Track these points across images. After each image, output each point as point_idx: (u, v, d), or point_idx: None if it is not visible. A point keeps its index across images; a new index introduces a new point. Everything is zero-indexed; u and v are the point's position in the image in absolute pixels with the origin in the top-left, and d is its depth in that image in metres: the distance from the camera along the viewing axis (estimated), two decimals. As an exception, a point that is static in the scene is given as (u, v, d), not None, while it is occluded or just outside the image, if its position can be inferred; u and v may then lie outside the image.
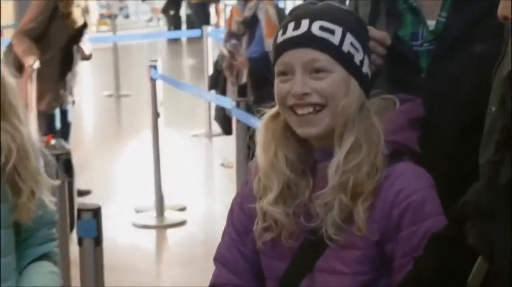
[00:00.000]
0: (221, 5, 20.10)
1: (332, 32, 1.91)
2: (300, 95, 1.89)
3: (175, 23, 19.59)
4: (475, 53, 2.13)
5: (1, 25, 10.94)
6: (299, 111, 1.91)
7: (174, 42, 18.85)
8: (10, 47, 6.32)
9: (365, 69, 1.96)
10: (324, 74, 1.90)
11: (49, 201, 2.03)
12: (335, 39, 1.91)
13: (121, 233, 6.05)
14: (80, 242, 3.19)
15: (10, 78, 1.96)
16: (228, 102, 5.32)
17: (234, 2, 6.81)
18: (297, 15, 1.96)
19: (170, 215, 6.38)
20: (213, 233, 5.59)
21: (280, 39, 1.95)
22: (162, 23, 21.57)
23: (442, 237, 1.74)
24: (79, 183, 6.49)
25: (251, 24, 6.22)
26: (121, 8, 22.76)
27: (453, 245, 1.64)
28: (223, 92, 6.45)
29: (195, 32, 11.53)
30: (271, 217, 1.96)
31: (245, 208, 2.05)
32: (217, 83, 6.56)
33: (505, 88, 1.71)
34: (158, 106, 6.37)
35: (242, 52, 6.24)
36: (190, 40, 17.65)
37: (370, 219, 1.87)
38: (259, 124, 2.04)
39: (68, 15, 6.23)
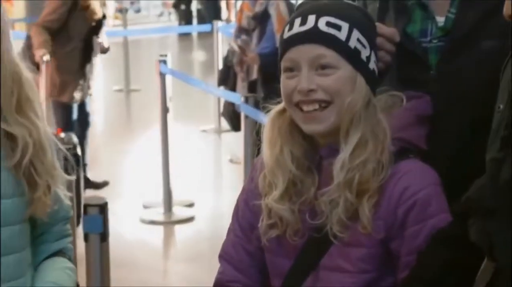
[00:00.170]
0: (232, 0, 20.12)
1: (338, 28, 1.90)
2: (306, 91, 1.89)
3: (186, 17, 19.63)
4: (484, 50, 2.11)
5: (13, 18, 11.02)
6: (305, 108, 1.90)
7: (184, 36, 18.88)
8: (28, 41, 6.39)
9: (372, 65, 1.95)
10: (330, 70, 1.89)
11: (64, 196, 2.03)
12: (342, 35, 1.90)
13: (129, 229, 6.05)
14: (86, 237, 3.19)
15: (27, 72, 1.96)
16: (237, 97, 5.30)
17: (244, -3, 6.82)
18: (303, 10, 1.96)
19: (178, 211, 6.38)
20: (221, 229, 5.55)
21: (286, 34, 1.94)
22: (173, 17, 21.62)
23: (446, 234, 1.74)
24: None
25: (262, 19, 6.22)
26: (132, 3, 22.82)
27: (457, 243, 1.65)
28: (233, 88, 6.44)
29: (206, 27, 11.53)
30: (276, 214, 1.96)
31: (250, 205, 2.05)
32: (227, 78, 6.55)
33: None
34: (167, 101, 6.36)
35: (252, 48, 6.23)
36: (201, 35, 17.68)
37: (375, 217, 1.86)
38: (266, 121, 2.03)
39: (88, 7, 6.31)
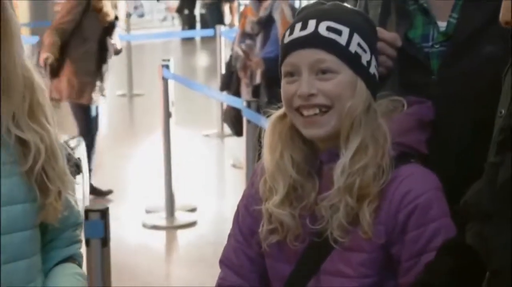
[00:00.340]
0: (235, 4, 20.14)
1: (339, 32, 1.90)
2: (306, 96, 1.88)
3: (189, 22, 19.66)
4: (485, 54, 2.11)
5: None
6: (305, 113, 1.90)
7: (188, 41, 18.90)
8: (39, 46, 6.46)
9: (373, 70, 1.95)
10: (330, 75, 1.89)
11: (75, 202, 2.03)
12: (342, 40, 1.90)
13: (131, 234, 6.05)
14: (87, 242, 3.18)
15: (38, 77, 1.96)
16: (239, 102, 5.31)
17: (248, 1, 6.81)
18: (304, 15, 1.96)
19: (180, 216, 6.38)
20: (223, 234, 5.54)
21: (287, 39, 1.94)
22: (176, 22, 21.64)
23: (453, 243, 1.73)
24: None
25: (266, 24, 6.21)
26: (135, 7, 22.84)
27: (463, 251, 1.63)
28: (236, 93, 6.43)
29: (209, 32, 11.54)
30: (277, 219, 1.96)
31: (251, 210, 2.05)
32: (230, 83, 6.54)
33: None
34: (170, 105, 6.36)
35: (256, 52, 6.22)
36: (204, 39, 17.70)
37: (376, 222, 1.86)
38: (266, 126, 2.03)
39: (100, 9, 6.35)
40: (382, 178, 1.87)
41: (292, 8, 6.28)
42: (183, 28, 19.57)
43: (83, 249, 3.21)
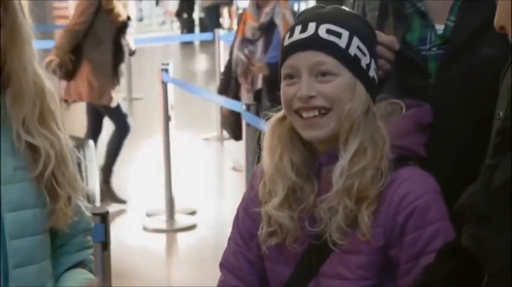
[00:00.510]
0: (234, 8, 20.13)
1: (339, 35, 1.91)
2: (305, 98, 1.89)
3: (188, 26, 19.64)
4: (483, 57, 2.12)
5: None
6: (305, 115, 1.91)
7: (187, 45, 18.88)
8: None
9: (372, 73, 1.95)
10: (330, 77, 1.90)
11: (85, 207, 2.04)
12: (342, 43, 1.91)
13: (132, 237, 6.05)
14: (88, 246, 3.18)
15: (49, 83, 1.97)
16: (239, 106, 5.32)
17: (247, 5, 6.78)
18: (304, 18, 1.96)
19: (181, 219, 6.38)
20: (223, 237, 5.53)
21: (287, 42, 1.95)
22: (175, 26, 21.62)
23: (451, 246, 1.73)
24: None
25: (267, 29, 6.20)
26: (134, 11, 22.80)
27: (464, 255, 1.63)
28: (235, 98, 6.42)
29: (207, 36, 11.54)
30: (276, 221, 1.96)
31: (250, 213, 2.05)
32: (227, 88, 6.52)
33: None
34: (169, 109, 6.37)
35: (257, 57, 6.21)
36: (203, 43, 17.68)
37: (374, 224, 1.87)
38: (266, 128, 2.04)
39: (111, 10, 6.37)
40: (380, 181, 1.87)
41: (292, 12, 6.28)
42: (182, 32, 19.56)
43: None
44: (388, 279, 1.91)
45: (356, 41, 1.92)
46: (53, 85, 1.99)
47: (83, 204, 2.02)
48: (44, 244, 1.96)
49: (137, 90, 12.12)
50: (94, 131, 6.78)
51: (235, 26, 17.88)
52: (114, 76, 6.52)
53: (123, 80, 7.70)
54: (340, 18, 1.95)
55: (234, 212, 2.15)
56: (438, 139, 2.05)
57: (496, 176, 1.53)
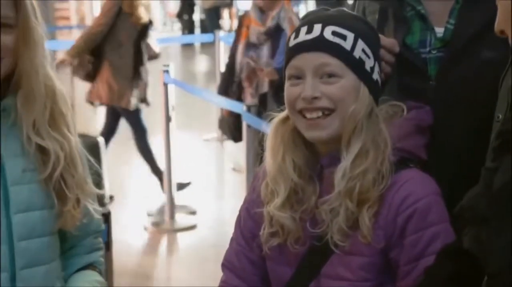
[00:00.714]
0: (234, 10, 20.11)
1: (344, 37, 1.91)
2: (310, 99, 1.89)
3: (189, 27, 19.62)
4: (483, 60, 2.12)
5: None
6: (308, 115, 1.91)
7: (188, 46, 18.86)
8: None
9: (375, 75, 1.96)
10: (334, 79, 1.90)
11: (94, 209, 2.03)
12: (347, 45, 1.91)
13: (133, 237, 6.06)
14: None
15: (60, 86, 1.97)
16: (239, 107, 5.32)
17: (246, 7, 6.75)
18: (310, 19, 1.97)
19: (181, 219, 6.40)
20: (224, 237, 5.58)
21: (292, 42, 1.95)
22: (176, 27, 21.59)
23: (451, 248, 1.74)
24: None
25: (274, 33, 6.17)
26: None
27: (464, 257, 1.64)
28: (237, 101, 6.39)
29: (208, 37, 11.53)
30: (278, 222, 1.97)
31: (252, 214, 2.06)
32: (227, 91, 6.49)
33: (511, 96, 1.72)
34: (170, 110, 6.38)
35: (263, 62, 6.16)
36: (203, 44, 17.65)
37: (375, 226, 1.87)
38: (269, 129, 2.04)
39: (132, 12, 6.36)
40: (382, 183, 1.87)
41: (297, 16, 6.27)
42: (183, 33, 19.53)
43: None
44: (388, 280, 1.91)
45: (361, 44, 1.93)
46: (71, 87, 1.99)
47: (92, 207, 2.01)
48: (52, 246, 1.97)
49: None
50: (109, 131, 6.78)
51: (235, 28, 17.84)
52: (133, 79, 6.50)
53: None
54: (345, 21, 1.95)
55: (234, 213, 2.15)
56: (437, 141, 2.05)
57: (496, 179, 1.53)
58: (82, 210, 1.97)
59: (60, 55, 6.48)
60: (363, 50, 1.93)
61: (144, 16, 6.48)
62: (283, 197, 1.96)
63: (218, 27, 16.32)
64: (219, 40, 9.63)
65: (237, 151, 7.08)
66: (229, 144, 8.52)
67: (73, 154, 1.94)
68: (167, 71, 6.40)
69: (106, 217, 3.16)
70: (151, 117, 7.12)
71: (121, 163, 6.82)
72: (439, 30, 2.19)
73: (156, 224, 6.33)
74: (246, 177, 5.01)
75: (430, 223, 1.87)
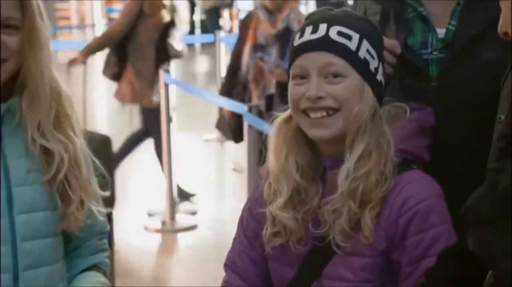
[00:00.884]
0: (234, 10, 20.10)
1: (349, 37, 1.91)
2: (314, 98, 1.89)
3: (189, 28, 19.61)
4: (484, 61, 2.13)
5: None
6: (312, 115, 1.91)
7: (188, 47, 18.85)
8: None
9: (379, 76, 1.96)
10: (339, 78, 1.90)
11: (98, 211, 2.03)
12: (352, 45, 1.91)
13: (133, 237, 6.06)
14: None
15: (65, 88, 1.98)
16: (240, 107, 5.33)
17: (247, 7, 6.72)
18: (315, 19, 1.97)
19: (181, 219, 6.40)
20: (224, 237, 5.60)
21: (297, 42, 1.95)
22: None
23: (453, 250, 1.74)
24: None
25: (284, 35, 6.15)
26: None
27: (465, 258, 1.64)
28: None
29: (208, 37, 11.52)
30: (280, 222, 1.97)
31: (255, 214, 2.06)
32: (231, 92, 6.46)
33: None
34: (170, 110, 6.39)
35: (271, 63, 6.13)
36: (204, 45, 17.65)
37: (377, 227, 1.87)
38: (271, 130, 2.04)
39: (152, 13, 6.35)
40: (384, 184, 1.87)
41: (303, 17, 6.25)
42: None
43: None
44: (390, 281, 1.92)
45: (366, 45, 1.93)
46: (83, 86, 1.99)
47: (95, 208, 2.01)
48: (55, 247, 1.97)
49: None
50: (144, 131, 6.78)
51: (235, 28, 17.83)
52: (154, 79, 6.49)
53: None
54: (350, 21, 1.95)
55: (235, 213, 2.15)
56: (439, 142, 2.05)
57: (500, 180, 1.54)
58: (85, 212, 1.97)
59: (61, 55, 6.46)
60: (367, 51, 1.93)
61: (165, 16, 6.47)
62: (285, 197, 1.96)
63: (219, 27, 16.31)
64: (220, 40, 9.63)
65: (237, 151, 7.08)
66: (230, 144, 8.53)
67: (77, 156, 1.94)
68: (167, 71, 6.41)
69: (108, 217, 3.16)
70: (151, 117, 7.13)
71: (121, 164, 6.82)
72: (441, 31, 2.20)
73: (156, 224, 6.33)
74: (247, 177, 5.02)
75: (431, 225, 1.87)
